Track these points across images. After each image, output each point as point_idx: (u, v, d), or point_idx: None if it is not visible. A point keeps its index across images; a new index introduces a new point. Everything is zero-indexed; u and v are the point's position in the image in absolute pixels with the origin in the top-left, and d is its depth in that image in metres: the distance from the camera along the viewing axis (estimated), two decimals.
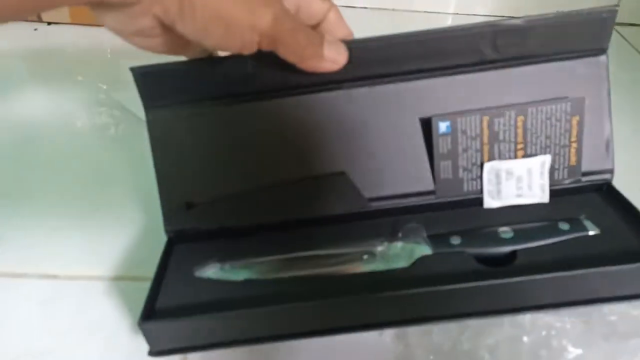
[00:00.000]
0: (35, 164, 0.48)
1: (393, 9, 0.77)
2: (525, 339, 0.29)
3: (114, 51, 0.66)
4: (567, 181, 0.32)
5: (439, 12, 0.77)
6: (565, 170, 0.32)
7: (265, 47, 0.26)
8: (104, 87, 0.58)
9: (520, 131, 0.31)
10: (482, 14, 0.77)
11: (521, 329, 0.30)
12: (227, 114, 0.33)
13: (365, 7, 0.77)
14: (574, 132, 0.31)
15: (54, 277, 0.36)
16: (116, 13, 0.24)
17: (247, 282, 0.30)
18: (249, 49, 0.26)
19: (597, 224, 0.30)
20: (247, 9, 0.24)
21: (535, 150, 0.32)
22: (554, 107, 0.31)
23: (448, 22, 0.76)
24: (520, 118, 0.31)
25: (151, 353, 0.28)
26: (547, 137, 0.31)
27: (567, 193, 0.33)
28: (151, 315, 0.28)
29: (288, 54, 0.27)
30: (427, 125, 0.31)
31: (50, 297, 0.34)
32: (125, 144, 0.50)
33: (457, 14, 0.77)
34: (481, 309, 0.28)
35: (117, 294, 0.34)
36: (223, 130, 0.33)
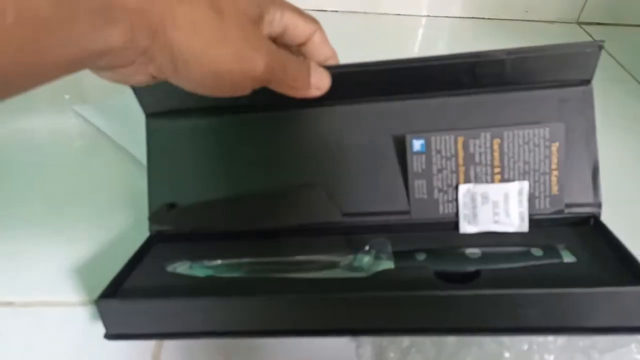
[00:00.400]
0: None
1: (364, 12, 0.76)
2: (507, 354, 0.28)
3: None
4: (548, 211, 0.31)
5: (410, 15, 0.76)
6: (547, 199, 0.31)
7: (257, 87, 0.26)
8: (67, 97, 0.55)
9: (497, 154, 0.31)
10: (453, 15, 0.76)
11: (502, 344, 0.28)
12: (216, 124, 0.35)
13: (336, 11, 0.77)
14: (555, 160, 0.30)
15: (10, 304, 0.34)
16: (110, 72, 0.23)
17: (210, 278, 0.30)
18: (242, 92, 0.26)
19: (576, 254, 0.28)
20: (239, 58, 0.24)
21: (514, 175, 0.31)
22: (530, 131, 0.30)
23: (421, 22, 0.74)
24: (497, 141, 0.31)
25: (107, 336, 0.28)
26: (525, 163, 0.31)
27: (550, 224, 0.31)
28: (111, 295, 0.29)
29: (279, 88, 0.28)
30: (402, 144, 0.32)
31: (3, 328, 0.32)
32: (89, 158, 0.47)
33: (429, 16, 0.75)
34: (435, 326, 0.26)
35: (83, 320, 0.32)
36: (211, 139, 0.35)
